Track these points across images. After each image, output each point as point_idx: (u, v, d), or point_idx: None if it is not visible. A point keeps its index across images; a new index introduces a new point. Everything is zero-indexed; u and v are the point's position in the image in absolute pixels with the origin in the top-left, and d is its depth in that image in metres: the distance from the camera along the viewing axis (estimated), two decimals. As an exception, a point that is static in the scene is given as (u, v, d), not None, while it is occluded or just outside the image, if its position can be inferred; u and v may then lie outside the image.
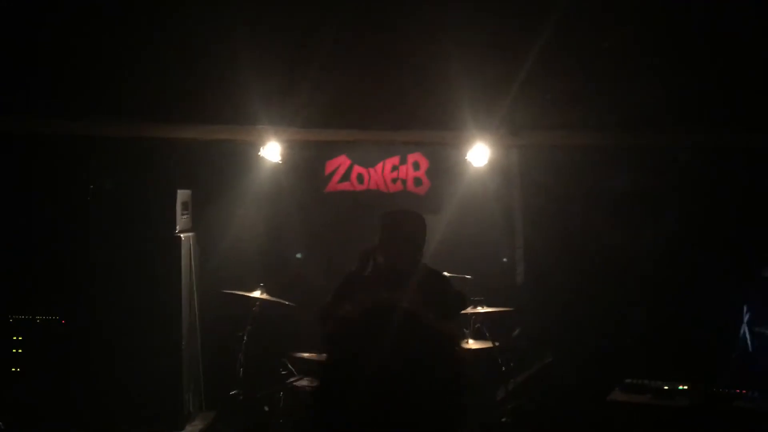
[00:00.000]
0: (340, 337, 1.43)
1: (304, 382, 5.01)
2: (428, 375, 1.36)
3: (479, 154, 5.63)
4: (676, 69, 4.88)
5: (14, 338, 5.50)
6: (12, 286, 5.65)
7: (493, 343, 5.06)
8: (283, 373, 5.20)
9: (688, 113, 5.01)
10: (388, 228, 3.91)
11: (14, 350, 5.48)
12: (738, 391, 4.17)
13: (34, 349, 5.47)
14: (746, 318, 4.69)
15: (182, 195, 5.67)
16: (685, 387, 4.34)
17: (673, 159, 5.50)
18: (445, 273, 5.41)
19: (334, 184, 6.26)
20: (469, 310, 5.17)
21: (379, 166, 6.22)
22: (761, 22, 4.67)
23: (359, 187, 6.25)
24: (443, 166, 6.14)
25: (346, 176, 6.25)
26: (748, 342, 4.65)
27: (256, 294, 5.39)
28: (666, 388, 4.33)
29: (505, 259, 5.92)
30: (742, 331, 4.70)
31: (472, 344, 5.12)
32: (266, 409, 5.37)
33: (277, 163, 5.92)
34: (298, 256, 5.95)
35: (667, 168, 5.57)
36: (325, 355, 1.45)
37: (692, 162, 5.53)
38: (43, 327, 5.51)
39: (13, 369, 5.48)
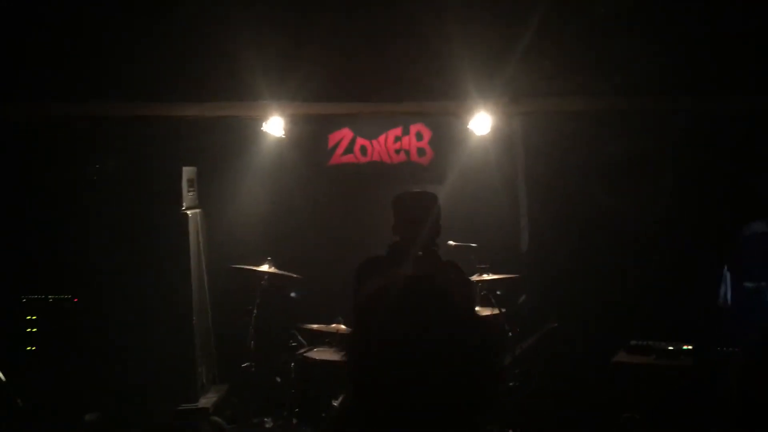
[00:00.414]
0: (372, 312, 1.38)
1: (313, 353, 5.10)
2: (461, 345, 1.34)
3: (481, 123, 5.65)
4: (674, 33, 4.87)
5: (28, 318, 5.59)
6: (22, 267, 5.72)
7: (499, 310, 5.13)
8: (293, 344, 5.29)
9: (687, 78, 5.01)
10: (400, 211, 3.82)
11: (28, 329, 5.57)
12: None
13: (48, 328, 5.57)
14: (727, 276, 4.73)
15: (187, 172, 5.71)
16: (689, 347, 4.41)
17: (671, 123, 5.50)
18: (451, 242, 5.49)
19: (338, 157, 6.29)
20: (475, 277, 5.23)
21: (382, 137, 6.25)
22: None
23: (363, 159, 6.28)
24: (446, 135, 6.16)
25: (349, 149, 6.28)
26: (728, 300, 4.69)
27: (264, 268, 5.46)
28: (670, 348, 4.40)
29: (522, 247, 5.92)
30: (722, 290, 4.74)
31: (478, 311, 5.19)
32: (278, 380, 5.48)
33: (280, 138, 5.95)
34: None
35: (666, 132, 5.59)
36: (352, 330, 1.42)
37: (691, 125, 5.53)
38: (56, 306, 5.59)
39: (28, 348, 5.57)
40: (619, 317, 5.29)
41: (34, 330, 5.58)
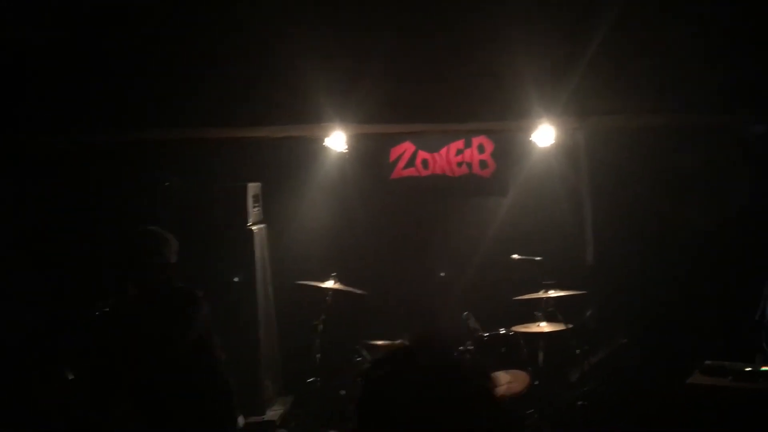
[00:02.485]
0: None
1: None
2: None
3: (545, 135, 5.58)
4: (743, 50, 4.72)
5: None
6: (92, 283, 5.89)
7: (565, 326, 5.07)
8: (358, 360, 5.33)
9: (756, 95, 4.86)
10: None
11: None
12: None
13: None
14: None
15: (253, 188, 5.81)
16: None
17: (740, 138, 5.35)
18: (515, 255, 5.45)
19: (399, 171, 6.31)
20: (541, 293, 5.17)
21: (444, 150, 6.23)
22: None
23: (424, 173, 6.28)
24: (508, 147, 6.11)
25: (410, 162, 6.29)
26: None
27: (329, 284, 5.51)
28: (748, 369, 4.25)
29: (587, 260, 5.81)
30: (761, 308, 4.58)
31: (545, 327, 5.13)
32: (342, 393, 5.52)
33: (342, 152, 6.00)
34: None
35: (735, 147, 5.43)
36: None
37: (760, 140, 5.37)
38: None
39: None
40: (691, 333, 5.15)
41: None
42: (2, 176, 5.66)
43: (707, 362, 4.44)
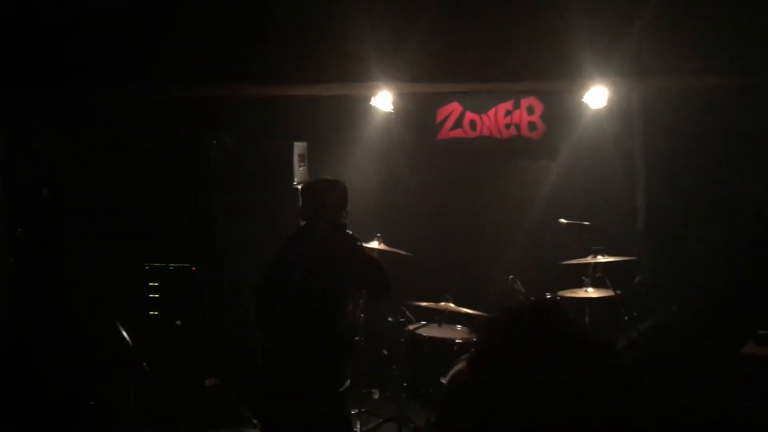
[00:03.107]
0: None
1: (423, 330, 5.13)
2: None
3: (597, 96, 5.42)
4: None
5: (150, 284, 5.90)
6: (145, 236, 6.03)
7: (614, 292, 4.97)
8: (401, 320, 5.34)
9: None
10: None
11: (151, 295, 5.89)
12: None
13: (170, 294, 5.87)
14: None
15: (298, 147, 5.81)
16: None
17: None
18: (563, 220, 5.35)
19: (446, 132, 6.22)
20: (589, 258, 5.08)
21: (492, 111, 6.11)
22: None
23: (472, 134, 6.18)
24: (559, 109, 5.95)
25: (458, 123, 6.19)
26: None
27: (374, 244, 5.51)
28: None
29: (639, 224, 5.65)
30: None
31: (592, 293, 5.05)
32: (385, 352, 5.56)
33: (389, 113, 5.93)
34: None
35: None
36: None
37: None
38: (177, 274, 5.88)
39: (151, 312, 5.89)
40: (744, 303, 5.00)
41: (157, 296, 5.89)
42: (65, 128, 5.79)
43: (761, 332, 4.33)
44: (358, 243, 4.14)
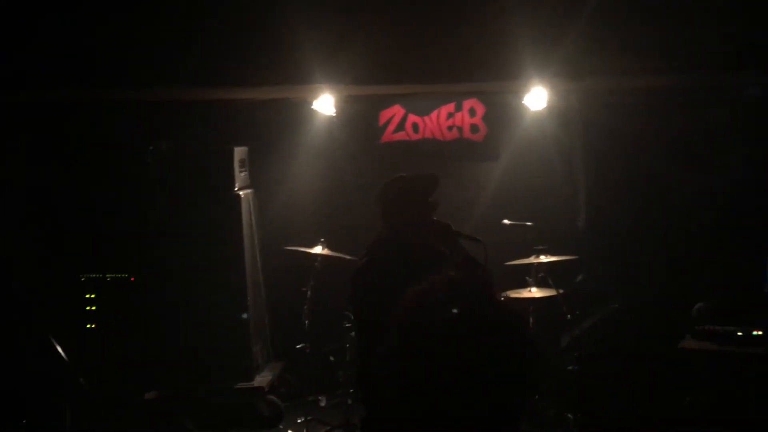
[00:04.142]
0: (416, 350, 1.30)
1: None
2: (498, 363, 1.29)
3: (537, 98, 5.48)
4: (742, 9, 4.61)
5: (87, 296, 5.70)
6: (81, 246, 5.83)
7: (557, 291, 5.01)
8: (347, 326, 5.28)
9: (753, 54, 4.76)
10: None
11: (87, 308, 5.69)
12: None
13: (107, 307, 5.67)
14: None
15: (239, 152, 5.69)
16: (760, 332, 4.23)
17: (738, 100, 5.25)
18: (506, 221, 5.37)
19: (389, 135, 6.19)
20: (532, 259, 5.11)
21: (434, 113, 6.11)
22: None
23: (415, 137, 6.17)
24: (500, 111, 5.99)
25: (400, 126, 6.17)
26: None
27: (317, 249, 5.43)
28: (740, 334, 4.23)
29: (579, 224, 5.72)
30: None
31: (535, 293, 5.08)
32: (332, 359, 5.49)
33: (331, 116, 5.87)
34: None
35: (733, 109, 5.34)
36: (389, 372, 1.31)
37: (757, 101, 5.28)
38: (114, 285, 5.69)
39: (88, 326, 5.69)
40: (683, 298, 5.10)
41: (93, 308, 5.69)
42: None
43: (698, 327, 4.42)
44: None
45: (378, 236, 3.41)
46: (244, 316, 5.51)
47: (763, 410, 3.99)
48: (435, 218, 3.36)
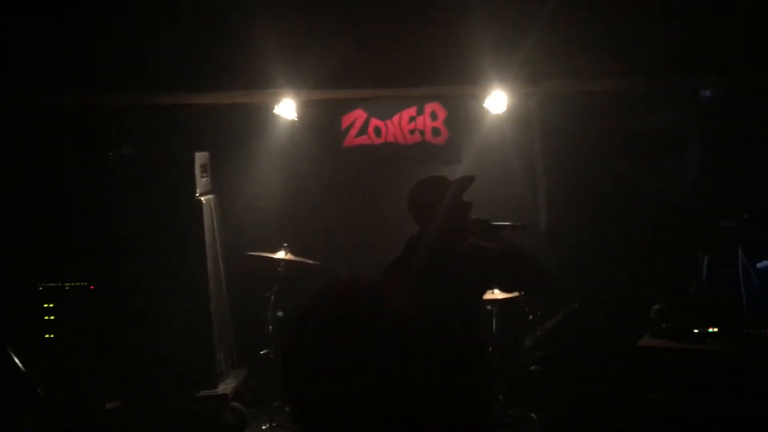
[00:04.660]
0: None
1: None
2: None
3: (497, 102, 5.53)
4: (697, 12, 4.73)
5: (45, 306, 5.59)
6: (39, 255, 5.72)
7: (519, 293, 5.06)
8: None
9: (709, 56, 4.88)
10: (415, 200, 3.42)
11: (46, 317, 5.58)
12: (768, 331, 4.17)
13: (66, 316, 5.57)
14: (706, 260, 4.67)
15: (200, 157, 5.65)
16: (715, 330, 4.34)
17: (694, 102, 5.39)
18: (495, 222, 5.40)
19: (351, 139, 6.20)
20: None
21: (396, 117, 6.14)
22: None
23: (377, 141, 6.19)
24: (461, 114, 6.05)
25: (363, 130, 6.18)
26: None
27: (281, 255, 5.41)
28: (696, 331, 4.33)
29: (541, 226, 5.79)
30: (703, 272, 4.69)
31: (497, 294, 5.12)
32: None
33: (293, 121, 5.86)
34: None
35: (689, 111, 5.47)
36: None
37: (712, 103, 5.42)
38: (73, 293, 5.59)
39: (46, 336, 5.58)
40: (642, 297, 5.20)
41: (52, 318, 5.58)
42: None
43: (656, 325, 4.51)
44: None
45: (411, 238, 3.40)
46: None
47: (719, 404, 4.08)
48: (472, 216, 3.39)
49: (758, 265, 4.48)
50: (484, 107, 5.63)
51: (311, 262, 5.49)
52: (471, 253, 3.31)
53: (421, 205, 3.36)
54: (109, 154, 5.60)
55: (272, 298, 5.47)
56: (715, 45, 4.94)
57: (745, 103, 5.37)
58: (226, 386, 5.60)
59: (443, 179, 3.43)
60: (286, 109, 5.65)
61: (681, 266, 5.09)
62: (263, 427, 5.44)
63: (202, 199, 5.60)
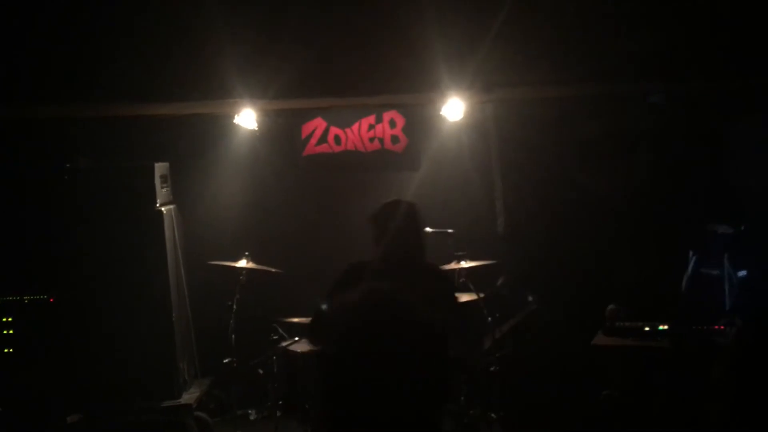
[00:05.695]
0: (337, 328, 1.44)
1: (295, 346, 5.12)
2: (416, 374, 1.40)
3: (454, 109, 5.65)
4: (647, 19, 4.91)
5: (3, 320, 5.52)
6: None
7: (477, 295, 5.17)
8: (274, 338, 5.30)
9: (656, 62, 5.07)
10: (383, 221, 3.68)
11: (4, 331, 5.51)
12: (716, 327, 4.33)
13: (24, 329, 5.51)
14: (692, 261, 4.83)
15: (160, 168, 5.64)
16: (665, 327, 4.49)
17: (644, 107, 5.58)
18: (428, 228, 5.50)
19: (312, 147, 6.27)
20: (453, 265, 5.26)
21: (356, 125, 6.23)
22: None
23: (337, 149, 6.26)
24: (419, 122, 6.16)
25: (323, 138, 6.25)
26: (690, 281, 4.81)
27: (242, 263, 5.44)
28: (647, 329, 4.48)
29: (499, 230, 5.94)
30: (688, 272, 4.84)
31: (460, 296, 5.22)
32: (261, 372, 5.49)
33: (253, 130, 5.90)
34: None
35: (640, 116, 5.66)
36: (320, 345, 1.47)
37: (660, 107, 5.62)
38: (33, 307, 5.53)
39: (5, 350, 5.51)
40: (597, 296, 5.35)
41: (10, 332, 5.52)
42: None
43: (609, 324, 4.65)
44: None
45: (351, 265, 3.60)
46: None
47: (670, 399, 4.23)
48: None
49: (739, 273, 4.65)
50: (441, 115, 5.75)
51: (273, 270, 5.53)
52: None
53: (386, 227, 3.57)
54: (67, 165, 5.57)
55: (234, 306, 5.49)
56: (663, 51, 5.12)
57: (690, 108, 5.58)
58: (189, 396, 5.59)
59: (411, 205, 3.72)
60: (246, 118, 5.69)
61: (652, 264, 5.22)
62: (228, 436, 5.44)
63: (163, 209, 5.60)
